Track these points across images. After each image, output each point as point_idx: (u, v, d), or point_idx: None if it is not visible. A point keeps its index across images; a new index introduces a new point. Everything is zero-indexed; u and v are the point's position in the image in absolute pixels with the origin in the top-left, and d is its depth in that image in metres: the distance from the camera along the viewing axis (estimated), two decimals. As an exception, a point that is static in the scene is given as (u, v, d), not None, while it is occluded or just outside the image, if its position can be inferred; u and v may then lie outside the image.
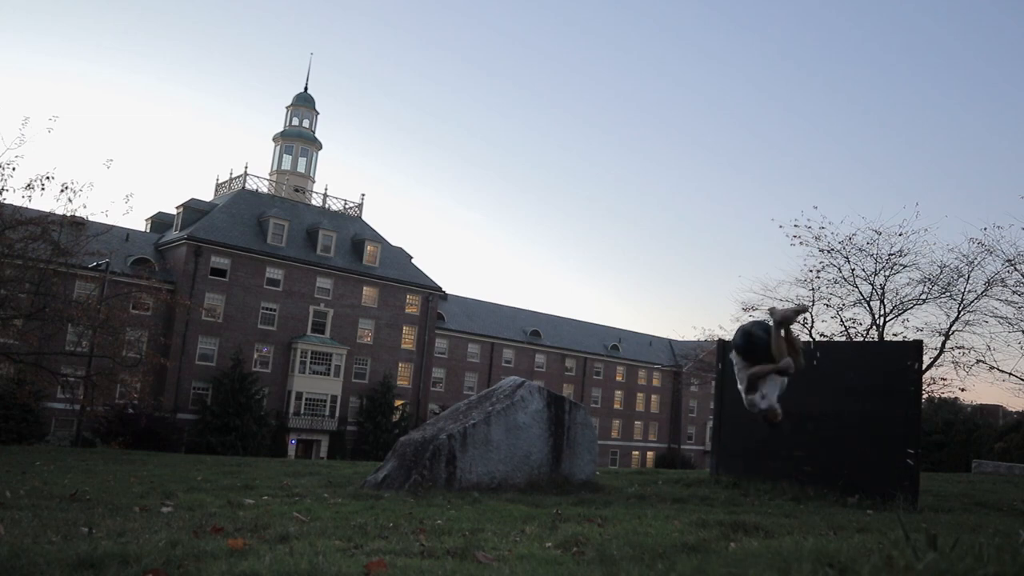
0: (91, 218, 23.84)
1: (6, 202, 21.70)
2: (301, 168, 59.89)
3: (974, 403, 51.25)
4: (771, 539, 3.18)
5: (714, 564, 2.16)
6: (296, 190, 57.84)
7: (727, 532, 3.59)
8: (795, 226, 23.11)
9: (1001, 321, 22.70)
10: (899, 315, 23.69)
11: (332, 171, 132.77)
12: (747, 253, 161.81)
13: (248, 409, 44.89)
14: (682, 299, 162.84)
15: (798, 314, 5.52)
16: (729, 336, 27.80)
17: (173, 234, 49.69)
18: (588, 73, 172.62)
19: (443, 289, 59.08)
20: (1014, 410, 58.15)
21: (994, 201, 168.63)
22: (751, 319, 25.76)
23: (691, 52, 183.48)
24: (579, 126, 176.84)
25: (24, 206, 22.62)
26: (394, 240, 59.90)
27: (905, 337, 22.35)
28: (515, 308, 71.06)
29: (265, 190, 55.77)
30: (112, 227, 27.79)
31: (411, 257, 58.83)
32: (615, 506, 5.53)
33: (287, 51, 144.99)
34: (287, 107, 61.33)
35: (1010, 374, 23.26)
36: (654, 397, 77.17)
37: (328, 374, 50.42)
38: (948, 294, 22.99)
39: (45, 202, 76.66)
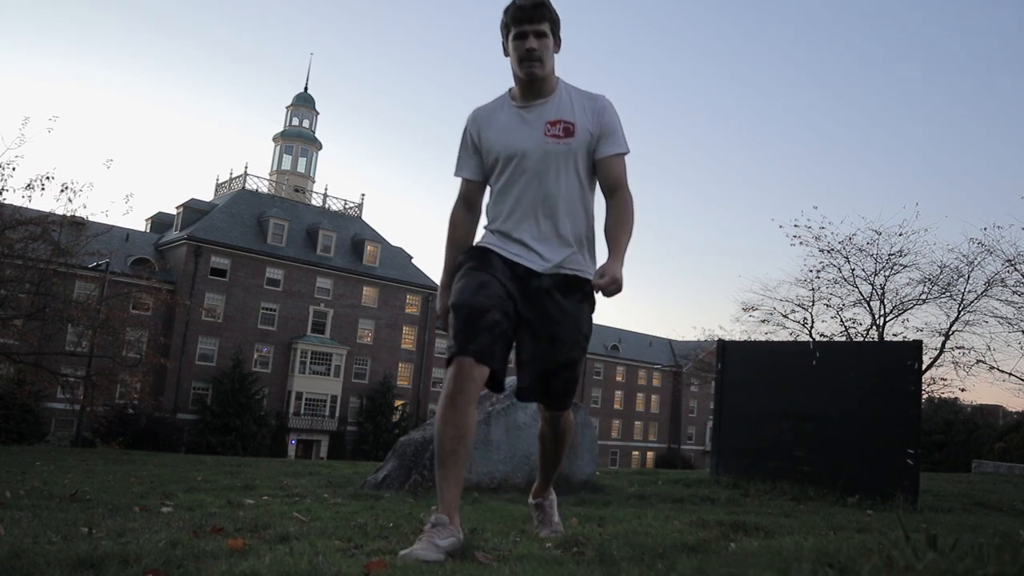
0: (91, 218, 23.87)
1: (6, 202, 21.72)
2: (301, 168, 59.92)
3: (974, 403, 51.24)
4: (771, 539, 3.17)
5: (714, 564, 2.15)
6: (296, 190, 57.85)
7: (727, 532, 3.58)
8: (795, 226, 23.17)
9: (1001, 321, 22.75)
10: (899, 315, 23.74)
11: (332, 171, 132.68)
12: (747, 253, 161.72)
13: (248, 409, 44.90)
14: (682, 299, 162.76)
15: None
16: (729, 336, 27.83)
17: (173, 234, 49.70)
18: (588, 73, 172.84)
19: (443, 289, 59.01)
20: (1014, 410, 58.16)
21: (994, 201, 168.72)
22: (751, 320, 25.85)
23: (691, 52, 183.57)
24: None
25: (24, 206, 22.63)
26: (394, 240, 60.03)
27: (905, 337, 22.37)
28: (515, 308, 70.95)
29: (265, 190, 55.76)
30: (112, 227, 27.82)
31: (411, 257, 58.85)
32: (615, 506, 5.53)
33: (287, 51, 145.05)
34: (287, 107, 61.35)
35: (1010, 374, 23.33)
36: (654, 397, 77.17)
37: (328, 374, 50.43)
38: (948, 294, 23.04)
39: (45, 202, 76.65)
